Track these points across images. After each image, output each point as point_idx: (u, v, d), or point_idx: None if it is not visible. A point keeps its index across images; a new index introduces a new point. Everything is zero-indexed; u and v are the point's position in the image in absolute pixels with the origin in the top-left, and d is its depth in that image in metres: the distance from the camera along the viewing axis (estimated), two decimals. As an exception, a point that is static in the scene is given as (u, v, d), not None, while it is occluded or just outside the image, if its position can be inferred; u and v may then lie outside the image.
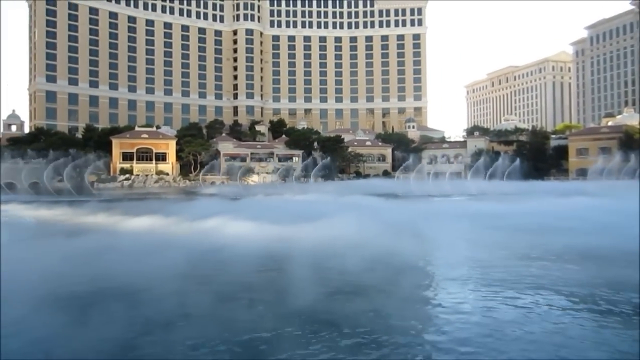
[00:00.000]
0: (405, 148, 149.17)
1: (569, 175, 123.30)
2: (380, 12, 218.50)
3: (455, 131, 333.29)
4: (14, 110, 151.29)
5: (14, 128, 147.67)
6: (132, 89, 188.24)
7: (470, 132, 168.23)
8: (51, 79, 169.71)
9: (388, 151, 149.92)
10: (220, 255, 19.77)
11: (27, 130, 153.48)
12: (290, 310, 12.77)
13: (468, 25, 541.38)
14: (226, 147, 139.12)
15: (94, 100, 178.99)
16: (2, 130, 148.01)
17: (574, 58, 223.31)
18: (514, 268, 17.74)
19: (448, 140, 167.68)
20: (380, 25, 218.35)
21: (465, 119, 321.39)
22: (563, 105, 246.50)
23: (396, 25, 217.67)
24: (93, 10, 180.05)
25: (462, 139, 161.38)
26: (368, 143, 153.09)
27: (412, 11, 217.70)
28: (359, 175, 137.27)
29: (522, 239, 23.76)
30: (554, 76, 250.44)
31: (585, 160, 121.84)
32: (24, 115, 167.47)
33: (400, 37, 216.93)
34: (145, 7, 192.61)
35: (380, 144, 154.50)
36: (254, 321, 11.99)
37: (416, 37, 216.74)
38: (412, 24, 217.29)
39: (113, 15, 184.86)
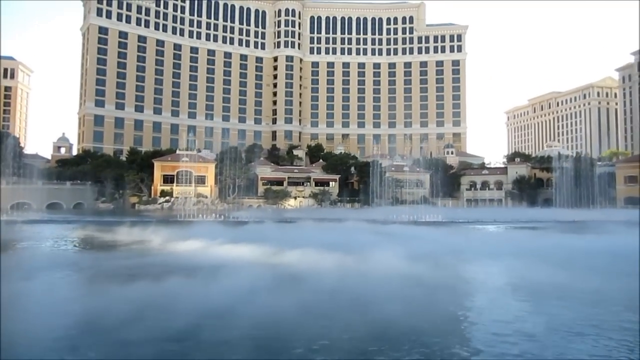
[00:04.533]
0: (444, 174, 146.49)
1: (617, 204, 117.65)
2: (420, 38, 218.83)
3: (495, 157, 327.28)
4: (63, 134, 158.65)
5: (62, 150, 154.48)
6: (175, 114, 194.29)
7: (510, 158, 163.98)
8: (100, 103, 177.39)
9: (426, 177, 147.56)
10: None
11: (75, 152, 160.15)
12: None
13: (509, 50, 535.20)
14: (264, 171, 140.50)
15: (138, 124, 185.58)
16: (52, 152, 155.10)
17: (621, 84, 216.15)
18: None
19: (488, 166, 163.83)
20: (420, 52, 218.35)
21: (505, 145, 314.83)
22: (609, 132, 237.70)
23: (435, 51, 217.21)
24: (141, 39, 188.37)
25: (502, 165, 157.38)
26: (406, 169, 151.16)
27: (451, 37, 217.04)
28: (396, 201, 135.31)
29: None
30: (599, 102, 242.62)
31: (634, 188, 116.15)
32: (73, 138, 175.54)
33: (440, 63, 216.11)
34: (191, 35, 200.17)
35: (418, 169, 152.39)
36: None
37: (456, 63, 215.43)
38: (452, 50, 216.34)
39: (160, 43, 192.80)
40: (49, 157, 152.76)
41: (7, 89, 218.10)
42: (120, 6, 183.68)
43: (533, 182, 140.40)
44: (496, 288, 20.75)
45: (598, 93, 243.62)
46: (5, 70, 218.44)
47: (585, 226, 53.30)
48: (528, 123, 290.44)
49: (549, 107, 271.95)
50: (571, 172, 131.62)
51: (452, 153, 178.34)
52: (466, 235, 47.04)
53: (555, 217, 73.69)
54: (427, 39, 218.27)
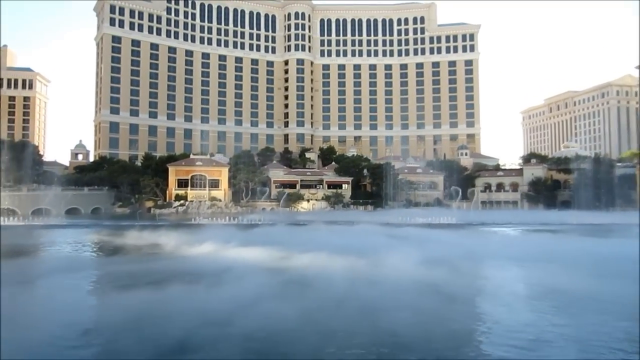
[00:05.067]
0: (458, 176, 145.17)
1: (638, 206, 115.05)
2: (431, 39, 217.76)
3: (510, 159, 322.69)
4: (80, 141, 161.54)
5: (80, 157, 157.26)
6: (187, 119, 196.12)
7: (526, 159, 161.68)
8: (115, 110, 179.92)
9: (440, 179, 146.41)
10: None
11: (92, 158, 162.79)
12: None
13: (524, 49, 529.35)
14: (277, 174, 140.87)
15: (152, 130, 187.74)
16: (70, 159, 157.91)
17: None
18: None
19: (503, 167, 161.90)
20: (432, 52, 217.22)
21: (521, 146, 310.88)
22: (630, 132, 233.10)
23: (447, 51, 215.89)
24: (154, 46, 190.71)
25: (518, 167, 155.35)
26: (419, 170, 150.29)
27: (464, 37, 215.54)
28: (409, 203, 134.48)
29: None
30: (618, 101, 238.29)
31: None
32: (90, 145, 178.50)
33: (452, 64, 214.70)
34: (202, 41, 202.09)
35: (431, 171, 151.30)
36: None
37: (468, 63, 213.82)
38: (464, 50, 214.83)
39: (172, 49, 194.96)
40: (67, 164, 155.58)
41: (26, 99, 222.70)
42: (132, 15, 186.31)
43: (550, 184, 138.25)
44: (518, 297, 19.16)
45: (617, 92, 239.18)
46: (24, 81, 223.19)
47: (608, 229, 51.88)
48: (544, 123, 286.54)
49: (566, 107, 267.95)
50: (590, 173, 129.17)
51: (466, 154, 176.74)
52: (483, 238, 46.26)
53: (575, 220, 72.08)
54: (438, 39, 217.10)
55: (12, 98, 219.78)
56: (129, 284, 19.96)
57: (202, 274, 21.92)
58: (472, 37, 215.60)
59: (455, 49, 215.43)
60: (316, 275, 21.27)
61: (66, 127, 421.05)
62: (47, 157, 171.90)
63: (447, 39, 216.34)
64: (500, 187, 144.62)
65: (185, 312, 15.26)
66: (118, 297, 17.55)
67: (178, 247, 34.82)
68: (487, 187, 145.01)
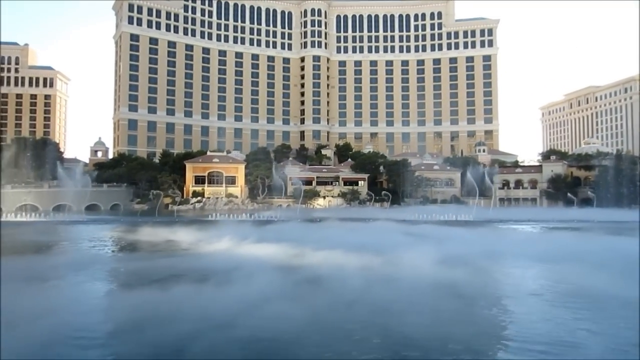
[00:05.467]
0: (475, 172, 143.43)
1: None
2: (449, 34, 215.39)
3: (529, 155, 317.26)
4: (100, 138, 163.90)
5: (99, 154, 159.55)
6: (205, 116, 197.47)
7: (546, 156, 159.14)
8: (133, 108, 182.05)
9: (457, 175, 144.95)
10: None
11: (111, 155, 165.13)
12: None
13: (543, 44, 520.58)
14: (293, 171, 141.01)
15: (170, 127, 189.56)
16: (89, 156, 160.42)
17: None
18: None
19: (521, 164, 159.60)
20: (449, 48, 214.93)
21: (540, 143, 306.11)
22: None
23: (465, 47, 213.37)
24: (171, 44, 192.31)
25: (537, 164, 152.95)
26: (436, 167, 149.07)
27: (482, 32, 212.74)
28: (426, 200, 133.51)
29: None
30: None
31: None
32: (109, 142, 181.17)
33: (470, 59, 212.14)
34: (219, 38, 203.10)
35: (448, 168, 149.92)
36: None
37: (486, 58, 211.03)
38: (482, 45, 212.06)
39: (189, 47, 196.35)
40: (87, 161, 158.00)
41: (47, 97, 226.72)
42: (150, 13, 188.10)
43: (570, 181, 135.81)
44: (542, 299, 17.75)
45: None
46: (45, 79, 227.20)
47: (632, 227, 50.24)
48: (564, 119, 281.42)
49: (587, 102, 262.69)
50: (612, 170, 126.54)
51: (483, 151, 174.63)
52: (503, 236, 45.23)
53: (597, 217, 70.25)
54: (456, 34, 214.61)
55: (33, 96, 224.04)
56: (132, 282, 19.69)
57: (211, 272, 21.34)
58: (490, 32, 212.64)
59: (474, 45, 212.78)
60: (328, 275, 20.42)
61: (86, 125, 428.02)
62: (68, 154, 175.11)
63: (465, 34, 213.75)
64: (518, 184, 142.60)
65: (188, 314, 14.47)
66: (121, 296, 17.34)
67: (191, 244, 34.69)
68: (506, 184, 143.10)
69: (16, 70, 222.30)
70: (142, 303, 15.86)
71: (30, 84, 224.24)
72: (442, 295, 16.71)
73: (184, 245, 34.67)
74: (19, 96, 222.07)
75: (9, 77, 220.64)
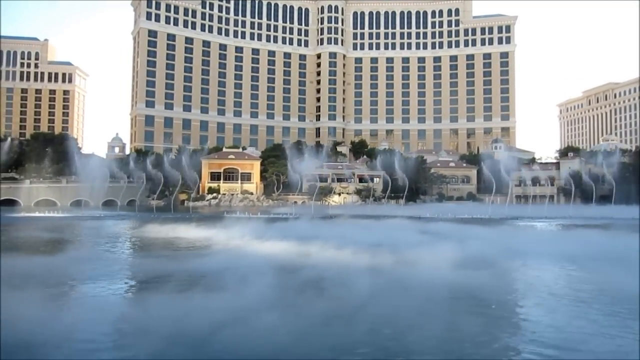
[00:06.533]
0: (492, 170, 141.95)
1: None
2: (466, 31, 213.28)
3: (546, 152, 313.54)
4: (117, 134, 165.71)
5: (117, 150, 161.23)
6: (221, 112, 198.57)
7: (563, 153, 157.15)
8: (150, 104, 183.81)
9: (473, 172, 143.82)
10: None
11: (128, 151, 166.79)
12: None
13: (561, 40, 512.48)
14: (308, 167, 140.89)
15: (186, 123, 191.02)
16: (107, 152, 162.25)
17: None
18: None
19: (539, 161, 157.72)
20: (466, 45, 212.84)
21: (557, 140, 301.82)
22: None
23: (482, 43, 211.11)
24: (188, 40, 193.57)
25: (554, 161, 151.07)
26: (452, 164, 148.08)
27: (499, 29, 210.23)
28: (442, 197, 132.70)
29: None
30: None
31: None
32: (126, 138, 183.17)
33: (487, 56, 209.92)
34: (235, 35, 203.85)
35: (464, 165, 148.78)
36: None
37: (504, 55, 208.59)
38: (500, 41, 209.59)
39: (206, 43, 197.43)
40: (104, 157, 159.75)
41: (66, 92, 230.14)
42: (168, 9, 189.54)
43: (589, 178, 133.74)
44: (570, 304, 15.97)
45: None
46: (64, 75, 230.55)
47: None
48: (582, 116, 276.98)
49: (606, 99, 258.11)
50: (631, 167, 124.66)
51: (500, 148, 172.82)
52: (524, 234, 44.14)
53: (618, 215, 68.76)
54: (473, 31, 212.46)
55: (52, 92, 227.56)
56: (144, 285, 18.86)
57: (199, 275, 19.52)
58: (508, 28, 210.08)
59: (491, 41, 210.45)
60: (333, 277, 18.62)
61: (104, 120, 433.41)
62: (86, 149, 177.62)
63: (483, 30, 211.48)
64: (535, 181, 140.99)
65: (158, 327, 12.17)
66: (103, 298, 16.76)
67: (206, 243, 33.41)
68: (522, 181, 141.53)
69: (36, 66, 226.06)
70: (112, 307, 14.93)
71: (50, 80, 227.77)
72: (461, 308, 14.91)
73: (197, 244, 33.26)
74: (38, 91, 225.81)
75: (28, 73, 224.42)
